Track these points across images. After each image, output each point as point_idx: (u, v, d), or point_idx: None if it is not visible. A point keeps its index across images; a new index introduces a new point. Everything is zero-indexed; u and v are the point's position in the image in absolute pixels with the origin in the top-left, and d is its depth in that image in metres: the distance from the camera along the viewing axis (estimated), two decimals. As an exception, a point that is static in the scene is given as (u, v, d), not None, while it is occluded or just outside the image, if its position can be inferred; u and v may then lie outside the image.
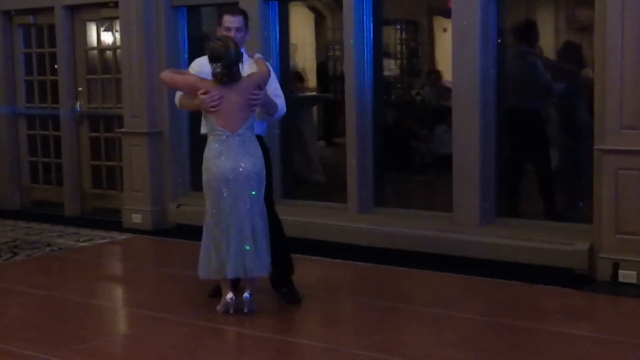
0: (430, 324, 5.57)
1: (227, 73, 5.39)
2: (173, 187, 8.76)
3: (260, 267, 5.55)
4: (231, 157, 5.48)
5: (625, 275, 6.18)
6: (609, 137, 6.22)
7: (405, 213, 7.52)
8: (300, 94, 9.30)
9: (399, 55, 9.58)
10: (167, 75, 5.89)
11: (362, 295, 6.37)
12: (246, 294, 5.60)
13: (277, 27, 8.10)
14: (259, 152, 5.60)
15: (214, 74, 5.43)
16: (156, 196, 8.73)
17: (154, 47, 8.59)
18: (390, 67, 9.27)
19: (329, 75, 9.70)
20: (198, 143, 8.72)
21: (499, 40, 6.99)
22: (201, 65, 5.78)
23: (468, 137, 6.96)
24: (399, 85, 9.23)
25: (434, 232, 7.11)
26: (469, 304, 6.03)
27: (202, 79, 5.52)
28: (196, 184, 8.84)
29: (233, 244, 5.50)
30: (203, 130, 5.88)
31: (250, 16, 7.97)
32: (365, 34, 7.55)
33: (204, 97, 5.41)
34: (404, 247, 7.18)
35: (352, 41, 7.52)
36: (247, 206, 5.53)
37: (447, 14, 7.21)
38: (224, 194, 5.53)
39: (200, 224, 8.29)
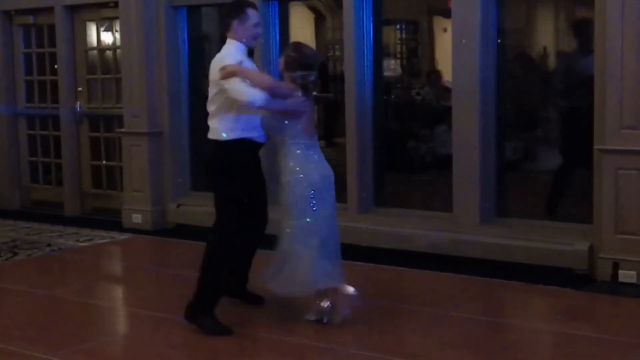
0: (430, 324, 5.57)
1: (316, 83, 5.37)
2: (173, 187, 8.76)
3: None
4: (323, 163, 5.42)
5: (625, 275, 6.18)
6: (609, 137, 6.22)
7: (405, 213, 7.52)
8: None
9: (399, 55, 9.57)
10: (270, 82, 5.39)
11: (361, 296, 6.37)
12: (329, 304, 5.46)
13: (277, 27, 8.10)
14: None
15: (306, 83, 5.24)
16: (156, 196, 8.73)
17: (154, 47, 8.59)
18: (390, 67, 9.27)
19: (329, 75, 9.69)
20: (198, 143, 8.76)
21: (499, 40, 6.99)
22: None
23: (468, 137, 6.96)
24: (399, 85, 9.23)
25: (434, 232, 7.11)
26: (468, 304, 6.03)
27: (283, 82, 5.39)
28: (196, 184, 8.87)
29: (333, 252, 5.44)
30: (230, 134, 5.39)
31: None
32: (365, 34, 7.55)
33: (300, 99, 5.23)
34: (404, 247, 7.18)
35: (352, 41, 7.54)
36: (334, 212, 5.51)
37: (447, 14, 7.21)
38: (325, 200, 5.39)
39: (200, 224, 8.32)
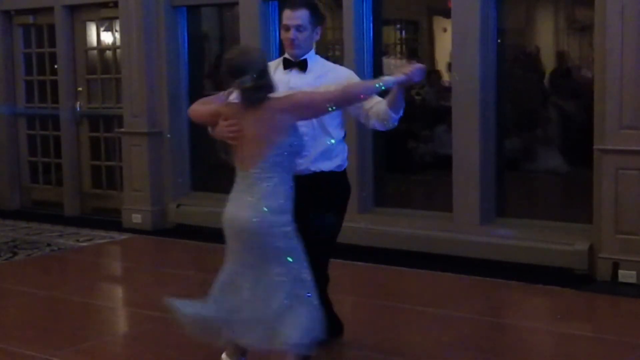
0: (430, 324, 5.58)
1: (259, 86, 3.95)
2: (173, 187, 8.77)
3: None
4: (237, 203, 4.11)
5: (625, 275, 6.19)
6: (609, 137, 6.23)
7: (405, 213, 7.53)
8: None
9: (398, 55, 9.56)
10: (193, 108, 4.40)
11: (361, 296, 6.38)
12: None
13: (277, 27, 8.10)
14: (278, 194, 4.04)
15: (242, 91, 4.00)
16: (156, 196, 8.73)
17: (154, 47, 8.60)
18: (390, 67, 9.27)
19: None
20: (198, 143, 8.76)
21: (498, 40, 7.00)
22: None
23: (468, 137, 6.97)
24: (398, 86, 9.22)
25: (434, 232, 7.12)
26: (469, 304, 6.03)
27: (229, 103, 4.13)
28: (196, 184, 8.87)
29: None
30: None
31: (251, 17, 8.04)
32: (365, 34, 7.56)
33: (222, 123, 4.08)
34: (403, 247, 7.18)
35: (352, 41, 7.54)
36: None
37: (447, 14, 7.21)
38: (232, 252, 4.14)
39: (200, 224, 8.33)
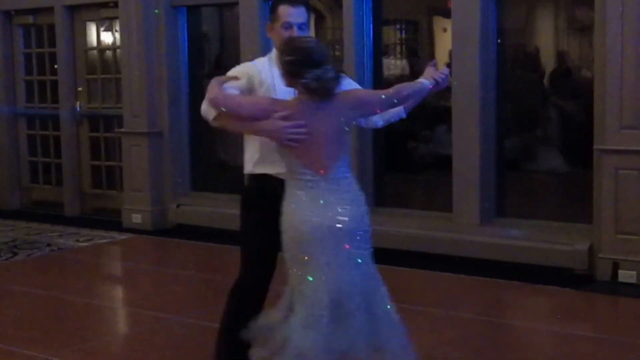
0: (430, 324, 5.58)
1: (337, 78, 3.63)
2: (173, 187, 8.77)
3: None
4: (323, 211, 3.66)
5: (625, 275, 6.19)
6: (609, 137, 6.23)
7: (405, 213, 7.53)
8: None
9: (399, 56, 9.57)
10: (218, 94, 3.80)
11: None
12: None
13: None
14: (360, 193, 3.79)
15: (324, 84, 3.57)
16: (156, 196, 8.73)
17: (154, 47, 8.60)
18: (390, 67, 9.27)
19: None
20: (198, 143, 8.76)
21: (498, 41, 7.00)
22: (251, 76, 3.99)
23: (468, 138, 6.97)
24: (399, 85, 9.24)
25: (434, 232, 7.12)
26: (468, 304, 6.04)
27: (278, 99, 3.76)
28: (196, 184, 8.87)
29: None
30: (255, 169, 4.10)
31: (251, 17, 8.04)
32: (365, 34, 7.56)
33: (285, 124, 3.60)
34: (403, 247, 7.18)
35: (352, 41, 7.54)
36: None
37: (447, 14, 7.22)
38: (320, 261, 3.68)
39: (200, 224, 8.33)
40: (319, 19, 10.25)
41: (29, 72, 10.05)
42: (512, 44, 7.33)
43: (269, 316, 3.87)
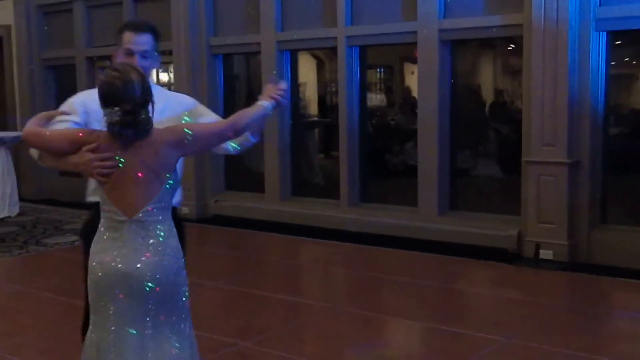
0: (401, 289, 5.59)
1: (128, 122, 2.46)
2: (211, 186, 8.75)
3: None
4: (123, 254, 2.53)
5: (544, 254, 6.18)
6: (533, 152, 6.23)
7: (383, 207, 7.51)
8: (306, 120, 9.31)
9: (378, 91, 9.57)
10: (29, 130, 2.65)
11: (351, 268, 6.38)
12: None
13: (289, 69, 8.11)
14: (172, 244, 2.63)
15: (110, 124, 2.48)
16: (199, 193, 8.70)
17: (198, 84, 8.57)
18: (372, 99, 9.29)
19: (327, 105, 9.70)
20: (229, 155, 8.74)
21: (452, 80, 6.99)
22: (85, 103, 2.90)
23: (429, 151, 6.97)
24: (378, 113, 9.22)
25: (404, 221, 7.11)
26: (429, 275, 6.03)
27: (89, 130, 2.66)
28: (228, 184, 8.85)
29: None
30: (91, 197, 2.97)
31: (269, 62, 8.02)
32: (354, 75, 7.55)
33: (91, 156, 2.52)
34: (381, 233, 7.17)
35: (344, 80, 7.54)
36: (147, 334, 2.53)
37: (414, 60, 7.23)
38: (110, 310, 2.53)
39: (231, 214, 8.33)
40: (320, 63, 10.28)
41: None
42: (462, 82, 7.33)
43: None
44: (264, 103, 2.82)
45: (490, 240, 6.52)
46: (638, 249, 5.88)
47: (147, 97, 2.50)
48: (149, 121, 2.52)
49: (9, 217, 8.64)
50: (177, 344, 2.55)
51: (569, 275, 5.81)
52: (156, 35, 3.03)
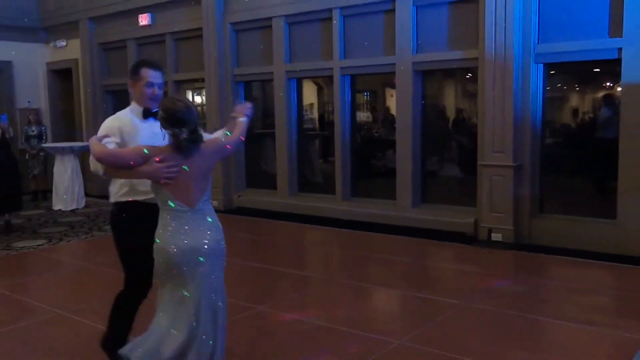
0: (382, 264, 5.60)
1: (193, 139, 2.70)
2: (235, 184, 8.77)
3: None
4: (192, 234, 2.74)
5: (495, 237, 6.21)
6: (486, 157, 6.25)
7: (369, 200, 7.54)
8: (309, 133, 9.31)
9: (365, 111, 9.56)
10: (103, 152, 2.73)
11: (344, 248, 6.40)
12: None
13: (295, 94, 8.14)
14: (217, 224, 2.88)
15: (178, 141, 2.68)
16: (226, 190, 8.73)
17: (224, 105, 8.60)
18: (361, 117, 9.29)
19: (325, 121, 9.70)
20: (250, 158, 8.76)
21: (422, 101, 7.01)
22: (121, 128, 2.97)
23: (405, 157, 6.99)
24: (365, 127, 9.22)
25: (386, 212, 7.13)
26: (404, 253, 6.04)
27: (151, 146, 2.74)
28: (249, 182, 8.87)
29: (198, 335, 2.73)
30: (120, 198, 3.06)
31: (279, 87, 8.06)
32: (346, 98, 7.58)
33: (160, 165, 2.68)
34: (368, 220, 7.20)
35: (339, 102, 7.54)
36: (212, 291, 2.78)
37: (393, 86, 7.24)
38: (187, 277, 2.72)
39: (251, 206, 8.34)
40: (320, 88, 10.26)
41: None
42: (430, 103, 7.34)
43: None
44: (242, 119, 3.03)
45: (452, 226, 6.54)
46: (567, 233, 5.91)
47: (199, 120, 2.73)
48: (202, 137, 2.74)
49: (78, 209, 8.67)
50: (220, 301, 2.78)
51: (514, 253, 5.83)
52: (163, 72, 3.20)
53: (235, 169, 8.77)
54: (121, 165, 2.71)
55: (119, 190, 3.06)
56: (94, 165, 2.85)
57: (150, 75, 3.10)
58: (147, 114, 3.08)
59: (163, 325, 2.72)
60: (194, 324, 2.69)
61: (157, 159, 2.67)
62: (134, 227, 2.99)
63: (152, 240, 2.75)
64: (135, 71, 3.12)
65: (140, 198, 3.00)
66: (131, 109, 3.13)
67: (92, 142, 2.77)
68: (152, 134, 2.91)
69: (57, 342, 3.85)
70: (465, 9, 6.44)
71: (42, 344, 3.82)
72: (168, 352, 2.67)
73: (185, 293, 2.71)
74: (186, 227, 2.72)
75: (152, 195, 2.85)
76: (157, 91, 3.10)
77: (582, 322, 3.96)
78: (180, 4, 8.91)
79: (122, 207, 3.02)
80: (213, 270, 2.75)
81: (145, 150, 2.69)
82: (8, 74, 10.58)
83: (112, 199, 3.10)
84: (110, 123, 3.01)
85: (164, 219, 2.75)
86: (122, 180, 2.99)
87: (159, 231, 2.74)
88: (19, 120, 10.46)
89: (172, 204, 2.73)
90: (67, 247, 6.54)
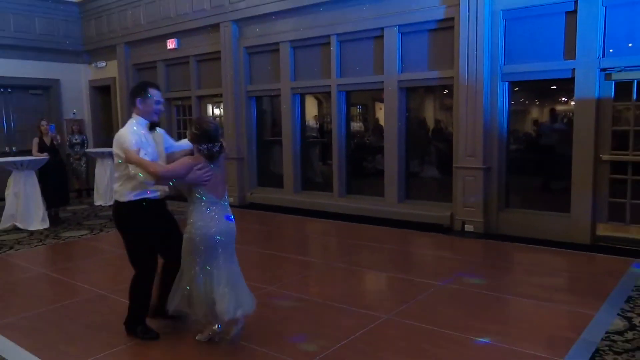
0: (372, 251, 5.60)
1: (221, 151, 3.17)
2: (248, 183, 8.76)
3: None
4: (223, 219, 3.21)
5: (468, 228, 6.21)
6: (460, 160, 6.26)
7: (361, 197, 7.54)
8: (310, 139, 9.31)
9: (358, 121, 9.57)
10: (161, 172, 3.06)
11: (340, 237, 6.40)
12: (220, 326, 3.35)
13: (299, 107, 8.13)
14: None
15: (211, 153, 3.12)
16: (240, 188, 8.71)
17: (239, 116, 8.60)
18: (354, 127, 9.28)
19: (324, 130, 9.70)
20: (260, 163, 8.75)
21: (407, 114, 7.01)
22: (141, 142, 3.17)
23: (391, 160, 6.99)
24: (358, 135, 9.22)
25: (375, 207, 7.13)
26: (390, 241, 6.04)
27: (192, 157, 3.14)
28: (260, 181, 8.86)
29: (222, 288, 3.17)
30: (129, 197, 3.22)
31: (286, 102, 8.05)
32: (341, 110, 7.58)
33: (201, 172, 3.09)
34: (360, 214, 7.20)
35: (336, 114, 7.54)
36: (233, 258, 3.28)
37: (382, 100, 7.24)
38: (219, 251, 3.17)
39: (262, 202, 8.33)
40: (320, 102, 10.25)
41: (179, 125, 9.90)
42: (413, 115, 7.34)
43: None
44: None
45: (432, 219, 6.55)
46: (529, 224, 5.92)
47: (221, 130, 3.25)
48: (224, 148, 3.21)
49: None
50: (236, 266, 3.27)
51: (484, 242, 5.83)
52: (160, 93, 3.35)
53: (248, 170, 8.77)
54: (175, 177, 3.08)
55: (132, 191, 3.19)
56: (146, 178, 3.08)
57: (157, 94, 3.28)
58: (153, 126, 3.30)
59: (184, 286, 3.15)
60: (203, 288, 3.12)
61: (199, 167, 3.07)
62: (151, 221, 3.22)
63: (165, 228, 3.22)
64: (145, 90, 3.26)
65: (150, 196, 3.23)
66: (137, 122, 3.25)
67: (142, 162, 3.07)
68: (154, 143, 3.23)
69: (97, 317, 3.88)
70: (442, 35, 6.46)
71: (85, 319, 3.85)
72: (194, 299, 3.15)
73: (208, 267, 3.11)
74: (217, 215, 3.15)
75: (158, 193, 3.23)
76: (162, 107, 3.33)
77: (541, 299, 3.99)
78: (202, 31, 8.93)
79: (138, 205, 3.21)
80: (233, 246, 3.25)
81: (189, 160, 3.09)
82: (56, 90, 10.63)
83: (124, 199, 3.19)
84: (137, 138, 3.15)
85: (199, 209, 3.13)
86: (135, 182, 3.15)
87: (195, 217, 3.12)
88: (65, 130, 10.49)
89: (205, 198, 3.13)
90: (107, 237, 6.55)
